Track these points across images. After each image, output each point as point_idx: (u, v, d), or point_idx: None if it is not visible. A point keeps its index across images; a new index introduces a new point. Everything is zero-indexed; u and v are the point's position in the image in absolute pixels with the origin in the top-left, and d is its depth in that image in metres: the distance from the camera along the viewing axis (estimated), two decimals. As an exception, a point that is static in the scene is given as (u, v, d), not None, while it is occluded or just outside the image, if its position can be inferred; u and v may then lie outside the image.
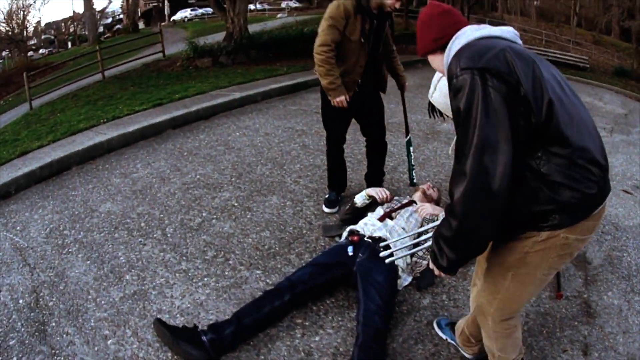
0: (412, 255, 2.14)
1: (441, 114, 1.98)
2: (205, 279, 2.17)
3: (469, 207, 1.06)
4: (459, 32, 1.23)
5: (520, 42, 1.25)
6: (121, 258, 2.35)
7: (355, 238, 2.12)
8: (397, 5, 2.36)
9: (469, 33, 1.20)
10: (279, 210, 2.82)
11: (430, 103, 1.96)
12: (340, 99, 2.46)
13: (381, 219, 2.26)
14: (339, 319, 1.94)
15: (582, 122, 1.14)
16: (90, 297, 2.05)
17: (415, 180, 3.07)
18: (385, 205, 2.42)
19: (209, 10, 23.62)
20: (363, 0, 2.34)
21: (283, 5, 29.85)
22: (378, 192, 2.54)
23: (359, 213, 2.52)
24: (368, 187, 2.91)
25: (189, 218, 2.74)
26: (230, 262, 2.31)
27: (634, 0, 22.08)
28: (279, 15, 23.09)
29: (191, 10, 29.33)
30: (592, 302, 2.11)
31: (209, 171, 3.43)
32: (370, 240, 2.11)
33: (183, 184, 3.21)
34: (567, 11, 25.03)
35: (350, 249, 2.05)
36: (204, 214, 2.79)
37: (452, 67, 1.14)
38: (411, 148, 3.00)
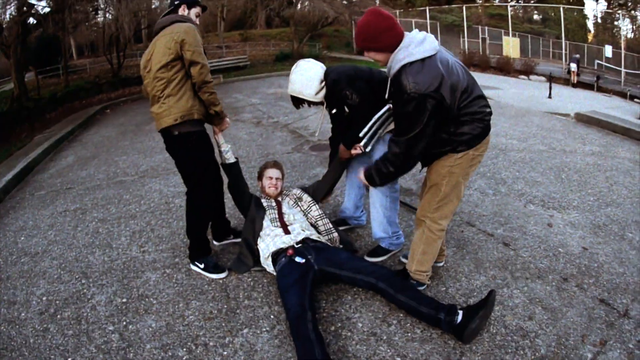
0: (319, 232, 2.49)
1: (303, 101, 2.35)
2: (217, 373, 1.76)
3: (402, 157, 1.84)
4: (403, 44, 1.69)
5: (437, 45, 1.74)
6: None
7: (291, 251, 2.18)
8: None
9: (413, 50, 1.66)
10: (172, 283, 2.38)
11: (292, 97, 2.35)
12: (227, 121, 2.44)
13: (286, 231, 2.35)
14: (348, 306, 2.11)
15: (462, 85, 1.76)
16: None
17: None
18: (270, 220, 2.46)
19: None
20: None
21: None
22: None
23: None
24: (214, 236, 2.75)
25: (102, 341, 1.95)
26: (211, 344, 1.94)
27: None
28: None
29: None
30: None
31: (47, 286, 2.39)
32: (301, 245, 2.23)
33: (40, 313, 2.16)
34: (214, 19, 23.00)
35: (299, 259, 2.13)
36: (110, 328, 2.05)
37: (404, 82, 1.64)
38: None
